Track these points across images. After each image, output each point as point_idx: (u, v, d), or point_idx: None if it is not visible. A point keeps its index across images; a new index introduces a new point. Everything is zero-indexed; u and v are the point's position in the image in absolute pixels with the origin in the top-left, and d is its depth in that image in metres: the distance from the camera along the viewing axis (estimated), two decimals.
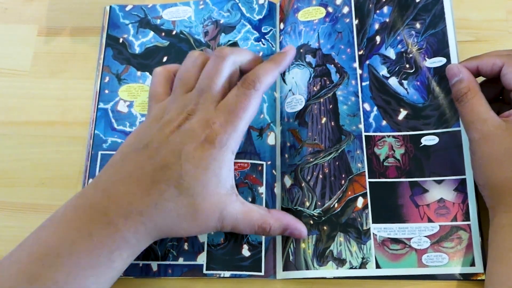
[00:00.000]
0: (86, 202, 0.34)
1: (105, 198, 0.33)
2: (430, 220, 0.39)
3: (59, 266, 0.31)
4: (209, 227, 0.35)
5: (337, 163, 0.42)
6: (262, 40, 0.47)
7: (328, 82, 0.44)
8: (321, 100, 0.44)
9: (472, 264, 0.38)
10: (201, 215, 0.34)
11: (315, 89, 0.44)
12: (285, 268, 0.39)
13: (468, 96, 0.37)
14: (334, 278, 0.39)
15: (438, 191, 0.40)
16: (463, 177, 0.39)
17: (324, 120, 0.43)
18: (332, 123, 0.43)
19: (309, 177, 0.42)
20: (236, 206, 0.35)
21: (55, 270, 0.31)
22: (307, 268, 0.39)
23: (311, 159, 0.42)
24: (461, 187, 0.39)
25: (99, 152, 0.44)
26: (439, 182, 0.40)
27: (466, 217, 0.39)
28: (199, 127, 0.34)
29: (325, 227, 0.40)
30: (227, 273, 0.39)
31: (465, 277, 0.38)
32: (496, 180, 0.36)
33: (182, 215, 0.34)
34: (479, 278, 0.38)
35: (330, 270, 0.39)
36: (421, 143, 0.41)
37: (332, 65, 0.45)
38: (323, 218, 0.40)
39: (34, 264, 0.31)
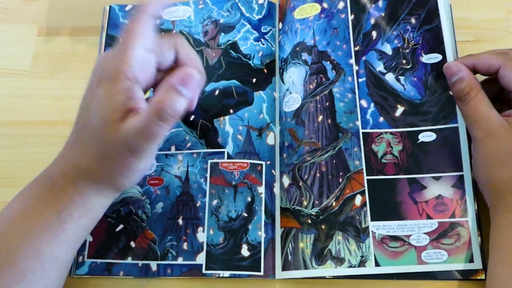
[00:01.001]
0: (43, 173, 0.35)
1: (52, 164, 0.34)
2: (429, 217, 0.37)
3: (12, 231, 0.32)
4: (129, 164, 0.32)
5: (334, 161, 0.39)
6: (262, 40, 0.45)
7: (324, 80, 0.42)
8: (317, 98, 0.41)
9: (471, 260, 0.36)
10: (109, 150, 0.31)
11: (311, 87, 0.42)
12: (284, 268, 0.37)
13: (470, 95, 0.35)
14: (333, 277, 0.37)
15: (436, 187, 0.38)
16: (461, 173, 0.38)
17: (320, 118, 0.41)
18: (329, 121, 0.40)
19: (306, 176, 0.39)
20: (129, 126, 0.30)
21: (8, 237, 0.31)
22: (306, 267, 0.37)
23: (308, 158, 0.40)
24: (459, 184, 0.37)
25: None
26: (437, 178, 0.38)
27: (464, 213, 0.37)
28: (97, 66, 0.33)
29: (323, 226, 0.38)
30: (226, 273, 0.37)
31: (465, 274, 0.36)
32: (498, 179, 0.34)
33: (101, 158, 0.32)
34: (478, 277, 0.36)
35: (329, 269, 0.37)
36: (419, 140, 0.39)
37: (328, 62, 0.42)
38: (321, 217, 0.38)
39: None
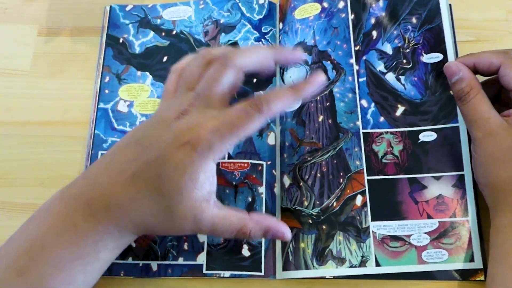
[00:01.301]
0: (71, 192, 0.33)
1: (90, 188, 0.32)
2: (429, 217, 0.37)
3: (45, 258, 0.30)
4: (184, 229, 0.32)
5: (335, 161, 0.39)
6: (262, 40, 0.44)
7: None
8: (318, 98, 0.41)
9: (472, 260, 0.36)
10: (174, 217, 0.31)
11: None
12: (285, 268, 0.37)
13: (470, 95, 0.36)
14: (334, 277, 0.37)
15: (437, 187, 0.37)
16: (461, 173, 0.38)
17: (321, 118, 0.40)
18: (329, 121, 0.40)
19: (307, 176, 0.39)
20: (212, 211, 0.32)
21: (42, 262, 0.30)
22: (307, 267, 0.37)
23: (309, 158, 0.40)
24: (459, 183, 0.37)
25: (99, 152, 0.41)
26: (437, 178, 0.38)
27: (465, 213, 0.37)
28: (186, 129, 0.31)
29: (324, 226, 0.38)
30: (227, 273, 0.37)
31: (464, 274, 0.36)
32: (498, 179, 0.34)
33: (157, 215, 0.31)
34: (478, 278, 0.36)
35: (329, 269, 0.36)
36: (419, 139, 0.39)
37: (329, 61, 0.42)
38: (322, 217, 0.38)
39: (22, 257, 0.30)
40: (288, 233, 0.34)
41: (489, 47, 0.38)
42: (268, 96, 0.33)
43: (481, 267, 0.35)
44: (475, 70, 0.37)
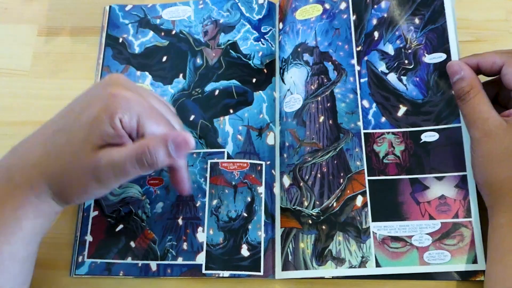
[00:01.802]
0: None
1: (11, 156, 0.34)
2: (431, 217, 0.38)
3: None
4: (88, 188, 0.33)
5: (335, 161, 0.40)
6: (262, 40, 0.46)
7: (325, 80, 0.43)
8: (319, 98, 0.42)
9: (475, 261, 0.37)
10: (74, 170, 0.32)
11: (313, 87, 0.43)
12: (284, 268, 0.38)
13: (470, 95, 0.37)
14: (333, 277, 0.38)
15: (439, 187, 0.38)
16: (464, 173, 0.39)
17: (322, 118, 0.42)
18: (330, 122, 0.42)
19: (307, 177, 0.40)
20: (110, 150, 0.32)
21: None
22: (306, 268, 0.38)
23: (310, 159, 0.41)
24: (462, 184, 0.38)
25: None
26: (439, 178, 0.39)
27: (468, 213, 0.38)
28: (115, 86, 0.33)
29: (324, 227, 0.39)
30: (226, 273, 0.38)
31: (466, 274, 0.37)
32: (496, 179, 0.35)
33: (63, 172, 0.32)
34: (478, 278, 0.37)
35: (329, 270, 0.38)
36: (421, 140, 0.40)
37: (330, 62, 0.43)
38: (322, 218, 0.39)
39: None
40: (190, 138, 0.33)
41: (489, 47, 0.39)
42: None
43: (484, 268, 0.36)
44: (478, 70, 0.38)
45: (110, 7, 0.48)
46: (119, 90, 0.33)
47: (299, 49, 0.44)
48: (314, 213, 0.39)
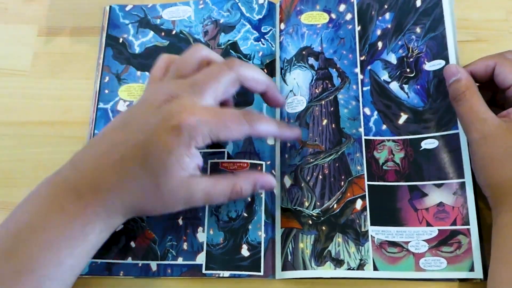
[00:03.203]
0: (59, 178, 0.37)
1: (77, 173, 0.37)
2: (428, 224, 0.41)
3: (33, 240, 0.34)
4: (177, 205, 0.38)
5: (337, 164, 0.44)
6: (262, 40, 0.50)
7: (329, 85, 0.47)
8: (323, 102, 0.46)
9: (471, 269, 0.39)
10: (165, 195, 0.36)
11: (317, 91, 0.47)
12: (284, 268, 0.42)
13: (466, 95, 0.39)
14: (332, 278, 0.41)
15: (438, 195, 0.42)
16: (462, 180, 0.41)
17: (325, 122, 0.46)
18: (333, 125, 0.46)
19: (309, 178, 0.44)
20: (202, 181, 0.37)
21: (30, 244, 0.34)
22: (305, 268, 0.41)
23: (311, 160, 0.45)
24: (460, 191, 0.41)
25: None
26: (438, 186, 0.42)
27: (466, 221, 0.40)
28: (176, 112, 0.36)
29: (323, 227, 0.42)
30: (226, 273, 0.42)
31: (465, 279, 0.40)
32: (498, 180, 0.37)
33: (147, 195, 0.36)
34: (475, 280, 0.40)
35: (328, 270, 0.41)
36: (421, 147, 0.43)
37: (334, 69, 0.47)
38: (322, 218, 0.43)
39: (9, 240, 0.34)
40: (273, 180, 0.41)
41: (489, 47, 0.42)
42: (260, 116, 0.40)
43: (481, 277, 0.39)
44: (473, 78, 0.41)
45: (110, 7, 0.52)
46: (183, 119, 0.35)
47: (304, 52, 0.48)
48: (314, 214, 0.43)
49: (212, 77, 0.38)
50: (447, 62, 0.44)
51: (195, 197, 0.37)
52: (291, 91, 0.48)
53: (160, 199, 0.37)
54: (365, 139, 0.45)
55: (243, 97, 0.47)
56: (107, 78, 0.49)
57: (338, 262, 0.41)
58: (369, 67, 0.47)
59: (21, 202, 0.37)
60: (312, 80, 0.47)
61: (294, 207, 0.44)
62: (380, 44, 0.47)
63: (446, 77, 0.42)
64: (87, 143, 0.39)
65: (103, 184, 0.36)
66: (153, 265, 0.43)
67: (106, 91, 0.49)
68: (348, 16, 0.49)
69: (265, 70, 0.48)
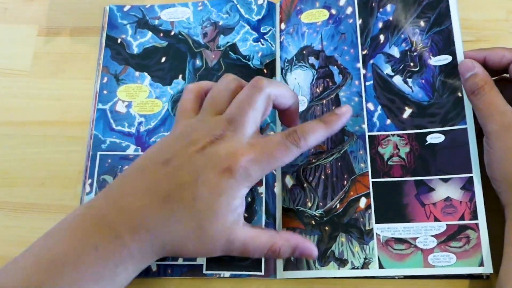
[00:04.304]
0: (94, 212, 0.35)
1: (115, 210, 0.34)
2: (436, 219, 0.40)
3: (64, 275, 0.32)
4: (215, 251, 0.36)
5: (339, 163, 0.43)
6: (261, 40, 0.48)
7: (331, 84, 0.46)
8: (324, 101, 0.45)
9: (481, 264, 0.38)
10: (207, 239, 0.34)
11: (318, 90, 0.46)
12: (286, 268, 0.41)
13: (485, 89, 0.39)
14: (335, 278, 0.40)
15: (445, 189, 0.40)
16: (470, 175, 0.40)
17: None
18: None
19: (311, 178, 0.43)
20: (244, 231, 0.35)
21: (60, 279, 0.32)
22: (309, 268, 0.40)
23: (314, 160, 0.43)
24: (468, 185, 0.40)
25: (98, 153, 0.45)
26: (445, 180, 0.41)
27: (474, 215, 0.39)
28: (225, 155, 0.34)
29: (326, 228, 0.41)
30: (227, 273, 0.41)
31: (473, 277, 0.39)
32: None
33: (189, 237, 0.34)
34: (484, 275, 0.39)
35: (331, 270, 0.40)
36: (427, 141, 0.42)
37: (335, 66, 0.46)
38: (325, 219, 0.41)
39: (40, 272, 0.32)
40: (315, 250, 0.37)
41: (490, 47, 0.41)
42: (304, 130, 0.37)
43: (491, 271, 0.37)
44: (485, 64, 0.40)
45: (109, 7, 0.50)
46: (233, 162, 0.34)
47: (304, 52, 0.47)
48: (317, 214, 0.42)
49: (247, 106, 0.36)
50: (454, 57, 0.43)
51: (233, 246, 0.35)
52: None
53: (201, 242, 0.35)
54: (368, 135, 0.43)
55: None
56: (105, 79, 0.48)
57: (342, 262, 0.40)
58: (371, 61, 0.46)
59: (52, 229, 0.35)
60: (313, 80, 0.46)
61: (296, 208, 0.43)
62: (382, 37, 0.46)
63: (461, 72, 0.41)
64: (122, 173, 0.37)
65: (144, 224, 0.34)
66: (153, 265, 0.42)
67: (105, 92, 0.48)
68: (349, 10, 0.47)
69: (265, 70, 0.47)
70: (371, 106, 0.44)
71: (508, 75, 0.41)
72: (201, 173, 0.34)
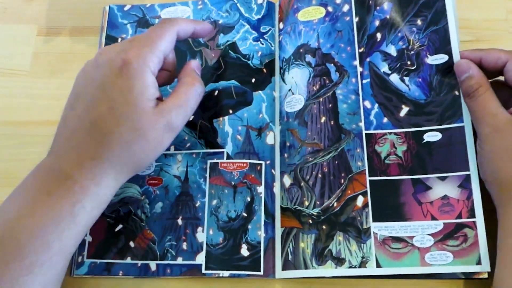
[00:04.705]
0: (42, 167, 0.37)
1: (58, 158, 0.36)
2: (433, 218, 0.39)
3: (20, 228, 0.33)
4: (164, 139, 0.37)
5: (336, 162, 0.43)
6: (261, 39, 0.48)
7: (327, 81, 0.45)
8: (321, 99, 0.45)
9: (478, 262, 0.38)
10: (147, 132, 0.36)
11: (315, 88, 0.45)
12: (284, 268, 0.40)
13: (479, 92, 0.38)
14: (333, 277, 0.40)
15: (442, 188, 0.40)
16: (467, 173, 0.40)
17: (323, 119, 0.44)
18: (332, 122, 0.44)
19: (308, 177, 0.42)
20: (169, 101, 0.37)
21: (18, 231, 0.33)
22: (306, 267, 0.40)
23: (311, 159, 0.43)
24: (465, 184, 0.40)
25: None
26: (442, 178, 0.40)
27: (471, 214, 0.39)
28: (115, 55, 0.36)
29: (324, 227, 0.41)
30: (226, 273, 0.40)
31: (470, 275, 0.38)
32: (506, 175, 0.36)
33: (131, 143, 0.35)
34: (481, 276, 0.38)
35: (329, 270, 0.40)
36: (424, 140, 0.42)
37: (332, 64, 0.45)
38: (322, 217, 0.41)
39: None
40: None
41: (489, 47, 0.41)
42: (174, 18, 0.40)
43: (489, 270, 0.37)
44: (481, 65, 0.40)
45: (109, 7, 0.50)
46: (124, 57, 0.36)
47: (301, 50, 0.46)
48: (314, 213, 0.41)
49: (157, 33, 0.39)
50: (450, 57, 0.43)
51: (172, 115, 0.37)
52: (289, 90, 0.46)
53: (144, 139, 0.36)
54: (365, 134, 0.43)
55: (243, 97, 0.46)
56: None
57: (339, 261, 0.40)
58: (368, 59, 0.45)
59: (9, 195, 0.36)
60: (309, 78, 0.46)
61: (294, 207, 0.42)
62: (379, 35, 0.45)
63: (457, 74, 0.41)
64: (56, 133, 0.39)
65: (85, 155, 0.35)
66: (153, 265, 0.42)
67: None
68: (346, 8, 0.47)
69: (264, 70, 0.47)
70: (368, 104, 0.44)
71: (502, 78, 0.40)
72: (105, 82, 0.35)
